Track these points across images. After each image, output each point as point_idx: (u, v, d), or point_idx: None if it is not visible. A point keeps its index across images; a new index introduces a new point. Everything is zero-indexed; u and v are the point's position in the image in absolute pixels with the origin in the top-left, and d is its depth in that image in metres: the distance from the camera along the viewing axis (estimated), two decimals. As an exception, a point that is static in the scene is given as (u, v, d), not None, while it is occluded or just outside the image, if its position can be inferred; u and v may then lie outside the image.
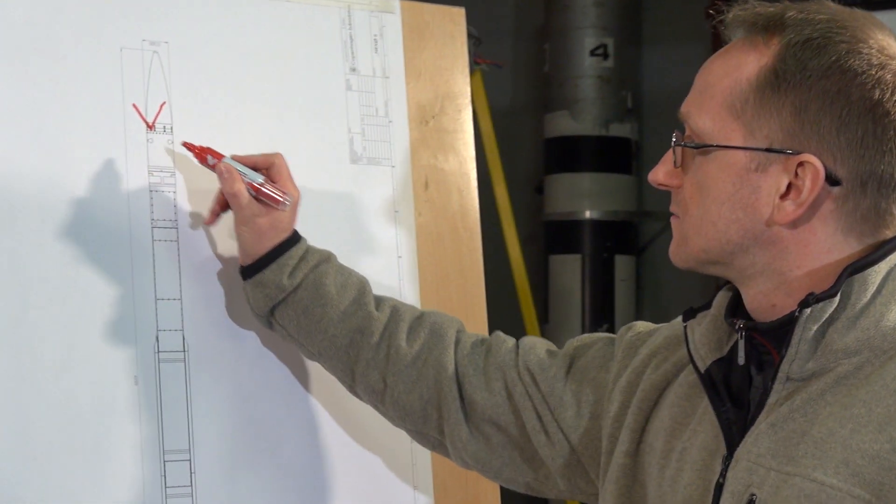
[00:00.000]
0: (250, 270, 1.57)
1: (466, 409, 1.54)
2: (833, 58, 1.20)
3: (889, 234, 1.23)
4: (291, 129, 1.72)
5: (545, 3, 4.77)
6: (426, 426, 1.57)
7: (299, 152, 1.67)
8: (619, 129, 4.62)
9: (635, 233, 4.74)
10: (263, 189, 1.55)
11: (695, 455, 1.29)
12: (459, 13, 1.92)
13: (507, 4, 5.11)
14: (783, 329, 1.22)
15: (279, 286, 1.55)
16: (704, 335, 1.31)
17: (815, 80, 1.20)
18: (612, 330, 4.39)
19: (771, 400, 1.22)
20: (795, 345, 1.20)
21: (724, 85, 1.24)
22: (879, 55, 1.21)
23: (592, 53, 4.60)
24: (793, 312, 1.21)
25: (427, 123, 1.85)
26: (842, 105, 1.19)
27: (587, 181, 4.58)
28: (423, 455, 1.73)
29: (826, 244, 1.22)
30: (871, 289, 1.20)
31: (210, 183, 1.60)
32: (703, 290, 4.15)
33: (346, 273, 1.60)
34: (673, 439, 1.34)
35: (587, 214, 4.57)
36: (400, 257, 1.79)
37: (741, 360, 1.26)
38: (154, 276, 1.58)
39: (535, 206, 4.79)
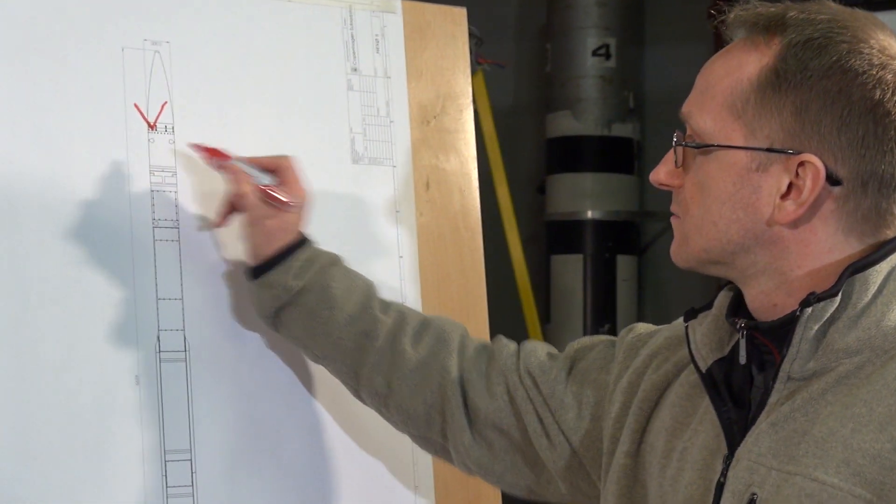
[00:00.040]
0: (258, 271, 1.57)
1: (470, 414, 1.54)
2: (834, 58, 1.20)
3: (890, 233, 1.23)
4: (293, 128, 1.72)
5: (547, 2, 4.77)
6: (430, 431, 1.57)
7: (301, 152, 1.66)
8: (621, 129, 4.62)
9: (637, 233, 4.73)
10: (270, 191, 1.55)
11: (696, 455, 1.29)
12: (461, 13, 1.92)
13: (510, 4, 5.11)
14: (784, 328, 1.22)
15: (285, 287, 1.55)
16: (706, 335, 1.31)
17: (816, 79, 1.20)
18: (613, 330, 4.40)
19: (772, 399, 1.22)
20: (796, 344, 1.20)
21: (725, 85, 1.24)
22: (880, 55, 1.21)
23: (595, 53, 4.60)
24: (794, 312, 1.21)
25: (428, 123, 1.85)
26: (843, 105, 1.19)
27: (589, 181, 4.58)
28: (424, 456, 1.73)
29: (827, 244, 1.22)
30: (872, 288, 1.20)
31: (211, 183, 1.60)
32: (705, 290, 4.14)
33: (353, 276, 1.59)
34: (674, 439, 1.34)
35: (589, 214, 4.57)
36: (401, 257, 1.79)
37: (742, 359, 1.26)
38: (155, 276, 1.58)
39: (537, 206, 4.79)
